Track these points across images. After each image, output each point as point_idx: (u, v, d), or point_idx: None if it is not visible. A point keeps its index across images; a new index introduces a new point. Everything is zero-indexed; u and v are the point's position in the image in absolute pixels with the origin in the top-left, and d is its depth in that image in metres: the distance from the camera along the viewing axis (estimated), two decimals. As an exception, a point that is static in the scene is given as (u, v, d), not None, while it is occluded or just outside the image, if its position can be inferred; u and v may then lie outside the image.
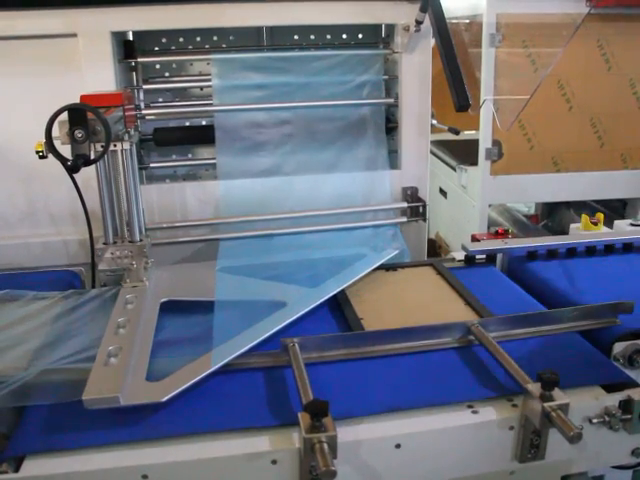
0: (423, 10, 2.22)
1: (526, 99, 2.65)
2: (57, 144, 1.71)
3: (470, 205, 3.56)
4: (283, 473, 1.25)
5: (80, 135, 1.60)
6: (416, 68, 2.45)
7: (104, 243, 2.01)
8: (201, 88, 2.63)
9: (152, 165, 2.57)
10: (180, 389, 1.33)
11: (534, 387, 1.28)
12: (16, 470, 1.21)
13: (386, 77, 2.54)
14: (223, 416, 1.32)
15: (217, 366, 1.40)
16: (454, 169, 3.82)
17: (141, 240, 2.00)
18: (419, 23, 2.29)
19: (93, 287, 2.15)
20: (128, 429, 1.29)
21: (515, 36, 3.09)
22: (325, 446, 1.14)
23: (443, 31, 2.20)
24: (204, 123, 2.66)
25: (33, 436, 1.29)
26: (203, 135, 2.59)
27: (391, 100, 2.53)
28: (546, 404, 1.23)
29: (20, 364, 1.51)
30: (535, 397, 1.26)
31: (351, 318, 1.72)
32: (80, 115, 1.59)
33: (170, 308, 1.75)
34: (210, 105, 2.46)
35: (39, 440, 1.27)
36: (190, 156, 2.72)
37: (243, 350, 1.46)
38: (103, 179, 1.94)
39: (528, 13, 3.07)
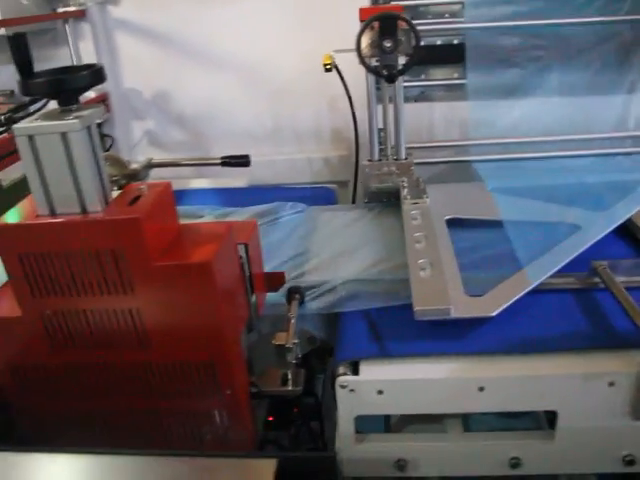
0: None
1: None
2: (347, 56, 1.72)
3: None
4: (618, 396, 1.22)
5: (389, 45, 1.59)
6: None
7: (369, 160, 2.01)
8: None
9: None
10: (507, 304, 1.32)
11: None
12: (355, 373, 1.26)
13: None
14: (550, 335, 1.30)
15: (536, 283, 1.38)
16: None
17: (406, 158, 1.99)
18: None
19: (353, 203, 2.19)
20: (456, 342, 1.30)
21: None
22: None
23: None
24: (439, 42, 2.58)
25: (364, 343, 1.33)
26: (444, 54, 2.51)
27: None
28: None
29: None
30: None
31: None
32: (392, 24, 1.57)
33: (452, 226, 1.73)
34: (461, 22, 2.37)
35: (371, 346, 1.32)
36: (423, 77, 2.66)
37: (555, 269, 1.42)
38: (373, 96, 1.94)
39: None
